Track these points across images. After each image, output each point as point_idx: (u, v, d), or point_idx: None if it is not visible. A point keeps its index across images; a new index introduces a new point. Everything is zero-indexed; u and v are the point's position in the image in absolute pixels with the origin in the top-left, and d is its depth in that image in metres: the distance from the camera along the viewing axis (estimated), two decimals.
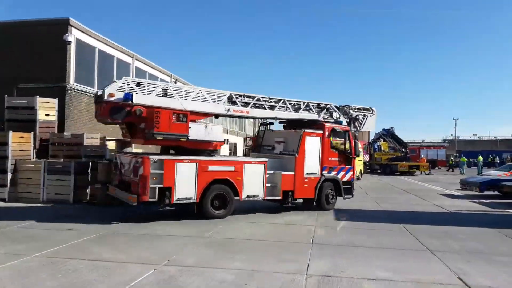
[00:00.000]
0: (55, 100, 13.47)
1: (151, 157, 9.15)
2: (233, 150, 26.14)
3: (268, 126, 12.97)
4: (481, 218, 11.20)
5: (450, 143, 76.70)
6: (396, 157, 36.45)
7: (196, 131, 9.96)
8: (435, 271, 5.86)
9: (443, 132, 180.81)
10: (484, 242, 7.93)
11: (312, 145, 11.69)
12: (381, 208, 13.08)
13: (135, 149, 15.09)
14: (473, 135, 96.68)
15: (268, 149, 12.53)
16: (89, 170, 11.88)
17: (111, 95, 9.07)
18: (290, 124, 12.65)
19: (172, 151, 10.40)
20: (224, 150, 24.75)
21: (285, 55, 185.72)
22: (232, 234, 8.35)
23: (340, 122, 12.69)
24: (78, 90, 15.70)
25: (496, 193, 16.80)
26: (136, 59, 20.79)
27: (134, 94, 9.23)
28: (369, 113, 13.79)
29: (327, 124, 12.14)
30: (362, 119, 13.52)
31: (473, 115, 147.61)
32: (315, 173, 11.75)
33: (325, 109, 12.51)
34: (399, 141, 37.95)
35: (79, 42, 15.89)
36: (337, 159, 12.24)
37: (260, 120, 13.96)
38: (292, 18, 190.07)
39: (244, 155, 34.79)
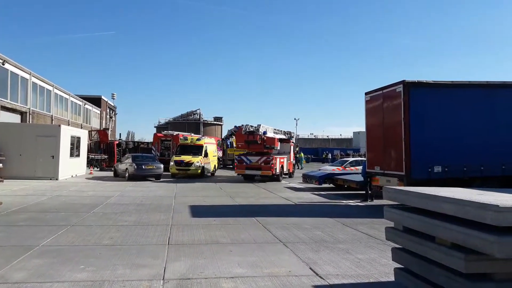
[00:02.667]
0: None
1: (275, 156, 22.67)
2: (75, 143, 23.45)
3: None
4: (321, 209, 12.35)
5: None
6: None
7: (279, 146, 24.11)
8: (289, 263, 6.08)
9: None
10: (326, 231, 8.67)
11: (292, 148, 26.94)
12: (235, 202, 13.37)
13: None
14: (310, 134, 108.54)
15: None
16: None
17: (262, 132, 22.46)
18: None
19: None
20: (66, 142, 22.15)
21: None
22: (75, 239, 7.38)
23: (291, 139, 27.40)
24: None
25: (331, 185, 18.93)
26: None
27: (268, 131, 23.15)
28: (294, 133, 28.21)
29: (291, 140, 27.46)
30: (293, 136, 28.60)
31: (310, 116, 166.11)
32: (293, 161, 27.64)
33: (286, 133, 27.15)
34: None
35: None
36: (294, 155, 28.77)
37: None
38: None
39: (89, 149, 31.98)
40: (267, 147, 22.73)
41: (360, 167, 18.05)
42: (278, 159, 22.93)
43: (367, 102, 13.62)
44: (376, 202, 13.89)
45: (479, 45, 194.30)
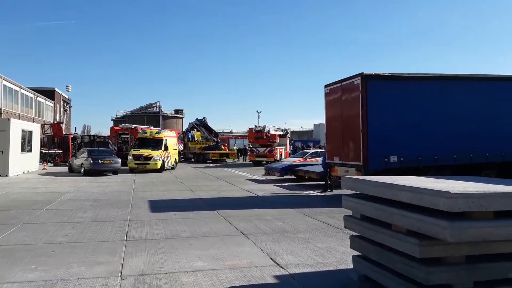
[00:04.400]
0: None
1: (276, 147, 31.97)
2: (26, 138, 22.34)
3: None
4: (283, 200, 12.46)
5: None
6: (208, 146, 37.92)
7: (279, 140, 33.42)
8: (250, 254, 6.07)
9: (249, 123, 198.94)
10: (287, 221, 8.75)
11: (288, 141, 35.73)
12: (197, 196, 13.22)
13: None
14: (273, 126, 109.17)
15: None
16: None
17: (267, 130, 32.37)
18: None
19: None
20: (16, 137, 21.03)
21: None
22: (26, 238, 7.02)
23: (287, 134, 36.63)
24: None
25: (293, 176, 19.15)
26: None
27: (271, 130, 33.04)
28: (289, 130, 43.22)
29: (288, 135, 36.87)
30: (288, 132, 38.72)
31: (272, 108, 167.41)
32: (289, 151, 35.12)
33: (283, 130, 36.29)
34: (211, 131, 39.62)
35: None
36: (289, 146, 37.79)
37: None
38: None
39: (42, 144, 30.60)
40: (270, 141, 32.07)
41: (320, 158, 18.35)
42: (278, 149, 32.17)
43: (326, 94, 13.81)
44: (335, 192, 14.17)
45: (431, 39, 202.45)
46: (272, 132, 32.88)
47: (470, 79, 12.94)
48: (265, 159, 30.54)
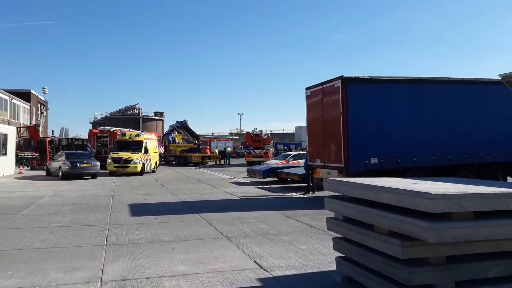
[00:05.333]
0: None
1: (270, 149, 39.27)
2: (1, 141, 21.74)
3: None
4: (265, 202, 12.45)
5: (238, 135, 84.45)
6: (189, 148, 37.68)
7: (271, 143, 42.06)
8: (233, 258, 6.03)
9: (230, 125, 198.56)
10: (270, 224, 8.74)
11: (272, 144, 42.95)
12: (178, 199, 13.09)
13: None
14: (255, 128, 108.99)
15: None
16: None
17: (263, 135, 40.50)
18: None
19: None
20: None
21: None
22: (2, 244, 6.80)
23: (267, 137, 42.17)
24: None
25: (275, 179, 19.17)
26: None
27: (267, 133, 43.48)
28: (271, 132, 61.15)
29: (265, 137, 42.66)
30: (268, 133, 48.19)
31: (253, 111, 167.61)
32: (273, 152, 42.84)
33: (267, 133, 43.08)
34: (192, 133, 39.41)
35: None
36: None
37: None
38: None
39: (18, 147, 29.85)
40: (265, 143, 38.04)
41: (302, 161, 18.43)
42: (271, 151, 37.86)
43: (307, 97, 13.89)
44: (317, 193, 14.24)
45: (412, 40, 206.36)
46: (265, 136, 39.46)
47: (448, 82, 13.22)
48: (261, 159, 33.69)
